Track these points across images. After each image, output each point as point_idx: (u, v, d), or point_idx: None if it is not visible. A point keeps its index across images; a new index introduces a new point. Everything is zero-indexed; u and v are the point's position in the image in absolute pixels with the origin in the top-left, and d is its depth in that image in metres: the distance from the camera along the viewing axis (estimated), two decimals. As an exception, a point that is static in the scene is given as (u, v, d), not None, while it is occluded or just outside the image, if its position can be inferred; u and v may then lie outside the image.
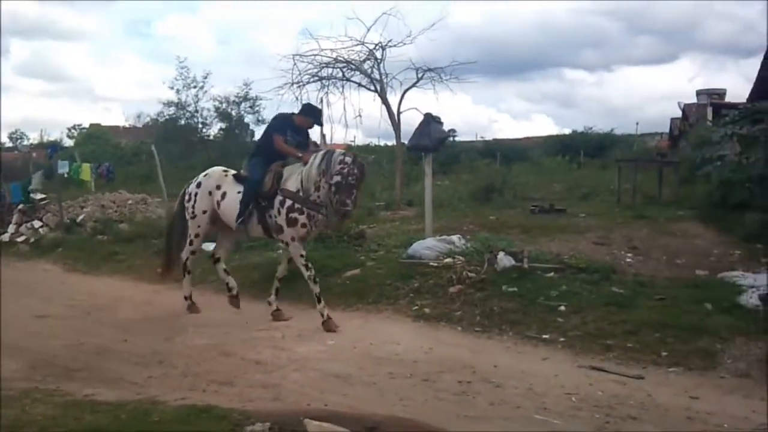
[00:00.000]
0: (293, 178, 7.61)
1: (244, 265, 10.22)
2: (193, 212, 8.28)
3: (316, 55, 16.46)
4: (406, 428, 4.67)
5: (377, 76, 16.56)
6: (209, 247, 11.44)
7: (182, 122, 27.17)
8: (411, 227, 12.01)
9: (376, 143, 33.66)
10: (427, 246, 9.37)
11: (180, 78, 25.82)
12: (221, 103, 26.97)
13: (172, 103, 26.49)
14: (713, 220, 11.27)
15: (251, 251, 11.05)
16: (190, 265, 8.44)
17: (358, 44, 16.48)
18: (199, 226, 8.27)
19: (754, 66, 17.44)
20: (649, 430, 4.73)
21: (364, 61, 16.68)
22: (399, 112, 16.66)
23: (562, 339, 6.74)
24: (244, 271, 9.87)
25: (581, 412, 5.02)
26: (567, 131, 43.56)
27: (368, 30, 16.33)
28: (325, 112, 17.06)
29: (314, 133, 9.66)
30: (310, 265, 7.59)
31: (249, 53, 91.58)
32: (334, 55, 16.54)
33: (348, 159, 7.26)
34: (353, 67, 16.80)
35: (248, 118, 27.84)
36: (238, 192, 7.89)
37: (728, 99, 22.93)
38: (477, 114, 78.02)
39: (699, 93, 25.58)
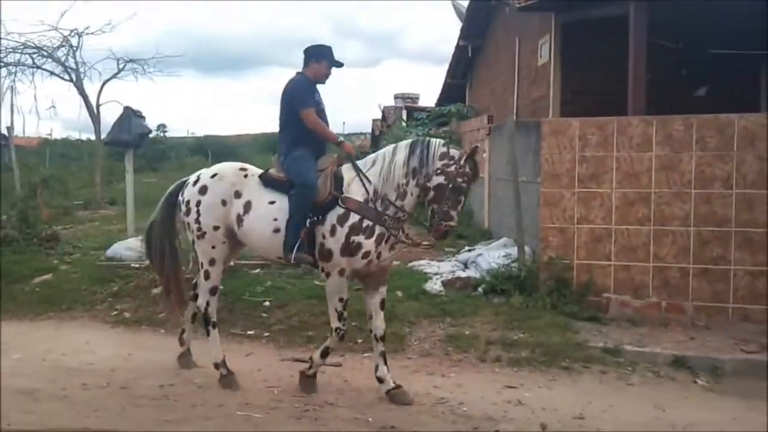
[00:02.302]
0: (357, 181, 5.26)
1: None
2: (199, 229, 5.52)
3: (1, 39, 14.98)
4: (99, 440, 4.42)
5: (72, 65, 15.51)
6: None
7: None
8: (112, 227, 11.42)
9: (77, 137, 31.36)
10: (128, 246, 8.99)
11: None
12: None
13: None
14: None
15: None
16: (213, 312, 5.64)
17: (51, 29, 15.32)
18: (213, 248, 5.52)
19: (443, 73, 19.40)
20: (345, 413, 5.00)
21: (58, 48, 15.52)
22: (98, 105, 15.78)
23: (266, 334, 6.88)
24: None
25: (282, 403, 5.15)
26: (277, 129, 44.36)
27: (62, 15, 15.25)
28: (13, 102, 15.55)
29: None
30: (345, 314, 5.34)
31: None
32: (23, 39, 15.17)
33: (455, 153, 5.13)
34: (45, 53, 15.53)
35: None
36: (271, 202, 5.35)
37: (421, 103, 25.13)
38: (190, 109, 76.37)
39: (396, 96, 27.64)
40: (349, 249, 5.09)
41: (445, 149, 5.12)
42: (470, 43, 16.52)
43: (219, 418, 4.86)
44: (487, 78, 16.28)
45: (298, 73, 5.58)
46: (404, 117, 20.98)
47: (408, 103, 23.80)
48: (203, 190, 5.53)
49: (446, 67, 19.12)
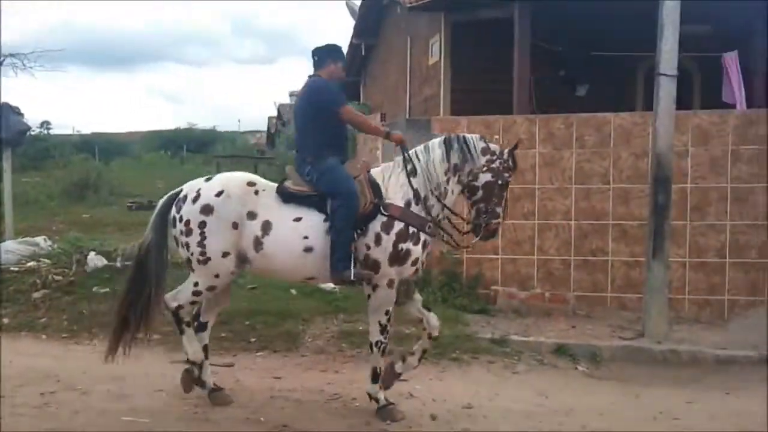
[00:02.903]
0: (393, 182, 4.88)
1: None
2: (203, 254, 4.79)
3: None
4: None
5: (-57, 59, 14.58)
6: None
7: None
8: (-11, 229, 10.76)
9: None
10: (7, 249, 8.54)
11: None
12: None
13: None
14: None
15: None
16: (185, 315, 5.01)
17: None
18: (217, 276, 4.83)
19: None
20: (236, 413, 4.94)
21: (-72, 41, 14.55)
22: (-27, 101, 14.87)
23: (156, 336, 6.68)
24: None
25: (171, 406, 5.03)
26: (171, 127, 43.25)
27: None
28: None
29: None
30: (389, 327, 4.96)
31: None
32: None
33: (495, 147, 4.95)
34: None
35: None
36: (296, 219, 4.79)
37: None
38: (77, 106, 73.26)
39: (292, 94, 27.52)
40: (398, 257, 4.74)
41: (484, 144, 4.92)
42: (363, 42, 16.64)
43: (103, 425, 4.70)
44: (381, 76, 16.45)
45: (312, 75, 5.13)
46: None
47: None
48: (207, 210, 4.78)
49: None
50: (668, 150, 6.90)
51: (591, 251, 7.78)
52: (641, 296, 7.17)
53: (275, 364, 6.10)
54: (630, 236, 7.72)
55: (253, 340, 6.59)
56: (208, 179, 5.02)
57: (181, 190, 5.02)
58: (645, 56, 10.05)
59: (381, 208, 4.76)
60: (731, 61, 9.93)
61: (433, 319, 5.07)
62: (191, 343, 5.04)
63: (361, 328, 6.79)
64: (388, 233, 4.73)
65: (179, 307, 4.95)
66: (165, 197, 5.13)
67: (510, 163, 4.92)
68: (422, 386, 5.63)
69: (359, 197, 4.75)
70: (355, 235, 4.72)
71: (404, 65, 13.52)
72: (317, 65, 5.12)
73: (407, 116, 12.34)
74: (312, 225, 4.77)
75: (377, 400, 4.95)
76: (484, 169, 4.85)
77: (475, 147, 4.87)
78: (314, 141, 4.95)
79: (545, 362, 6.30)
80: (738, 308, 7.59)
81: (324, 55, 5.13)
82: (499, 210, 4.90)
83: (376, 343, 4.89)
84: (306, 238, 4.75)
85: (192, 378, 5.10)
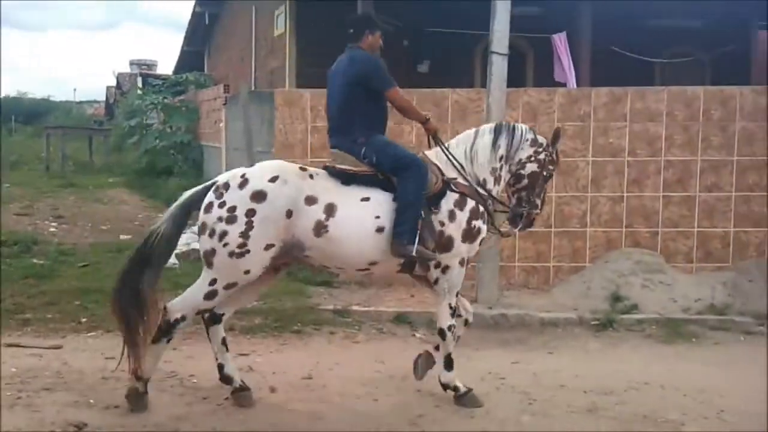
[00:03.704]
0: (446, 163, 4.80)
1: None
2: (242, 245, 4.27)
3: None
4: None
5: None
6: None
7: None
8: None
9: None
10: None
11: None
12: None
13: None
14: (140, 186, 11.82)
15: None
16: (183, 327, 4.56)
17: None
18: (247, 273, 4.36)
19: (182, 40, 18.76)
20: (64, 397, 4.72)
21: None
22: None
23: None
24: None
25: (-8, 393, 4.73)
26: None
27: None
28: None
29: None
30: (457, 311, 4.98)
31: None
32: None
33: (542, 139, 4.96)
34: None
35: None
36: (364, 199, 4.53)
37: (160, 70, 24.13)
38: None
39: (132, 63, 26.28)
40: (471, 234, 4.71)
41: (532, 135, 4.96)
42: (207, 10, 16.14)
43: None
44: (226, 47, 16.06)
45: (353, 47, 4.82)
46: (140, 84, 20.00)
47: (144, 69, 22.76)
48: (259, 197, 4.31)
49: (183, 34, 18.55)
50: (500, 125, 7.22)
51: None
52: (475, 264, 7.50)
53: (108, 344, 5.82)
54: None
55: (84, 320, 6.29)
56: (249, 168, 4.67)
57: (216, 180, 4.56)
58: (482, 35, 10.46)
59: (451, 185, 4.71)
60: (560, 41, 10.55)
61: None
62: (154, 357, 4.55)
63: (201, 303, 6.68)
64: (461, 209, 4.70)
65: (181, 318, 4.43)
66: (192, 190, 4.62)
67: (554, 156, 5.01)
68: (263, 359, 5.64)
69: (429, 171, 4.65)
70: (425, 213, 4.58)
71: (249, 36, 13.27)
72: (354, 38, 4.86)
73: (252, 88, 12.15)
74: (382, 204, 4.58)
75: (456, 389, 4.91)
76: (531, 159, 4.92)
77: (523, 137, 4.93)
78: (361, 120, 4.74)
79: (384, 331, 6.49)
80: (561, 274, 8.13)
81: (360, 25, 4.90)
82: (538, 201, 5.02)
83: (449, 327, 4.87)
84: (378, 217, 4.54)
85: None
